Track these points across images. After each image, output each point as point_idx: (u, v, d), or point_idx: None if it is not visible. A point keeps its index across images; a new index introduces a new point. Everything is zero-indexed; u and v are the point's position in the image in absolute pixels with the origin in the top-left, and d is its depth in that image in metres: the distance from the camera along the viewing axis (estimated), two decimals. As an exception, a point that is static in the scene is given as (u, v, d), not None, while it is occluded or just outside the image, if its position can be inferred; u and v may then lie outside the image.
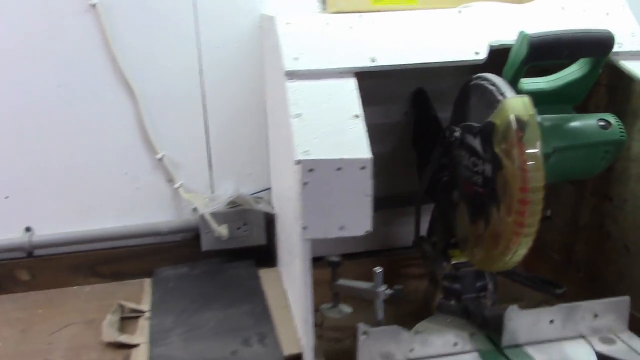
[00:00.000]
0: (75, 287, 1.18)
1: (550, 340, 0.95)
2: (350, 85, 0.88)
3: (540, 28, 0.87)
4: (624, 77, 0.96)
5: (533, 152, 0.79)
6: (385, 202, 1.18)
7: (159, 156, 1.17)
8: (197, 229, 1.20)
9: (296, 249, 0.91)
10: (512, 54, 0.87)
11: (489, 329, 0.98)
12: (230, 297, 1.09)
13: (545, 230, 1.00)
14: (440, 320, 1.01)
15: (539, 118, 0.81)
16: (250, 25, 1.15)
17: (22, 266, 1.17)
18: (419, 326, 0.97)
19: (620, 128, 0.90)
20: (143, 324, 1.04)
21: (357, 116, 0.86)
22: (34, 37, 1.08)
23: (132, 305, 1.09)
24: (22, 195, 1.15)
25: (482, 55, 0.92)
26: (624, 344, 0.94)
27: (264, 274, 1.17)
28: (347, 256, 1.04)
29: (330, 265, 0.96)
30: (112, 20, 1.10)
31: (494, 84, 0.86)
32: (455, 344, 0.94)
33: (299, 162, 0.82)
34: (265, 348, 0.94)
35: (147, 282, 1.18)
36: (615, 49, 0.88)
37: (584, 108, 0.97)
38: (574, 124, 0.91)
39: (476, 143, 0.88)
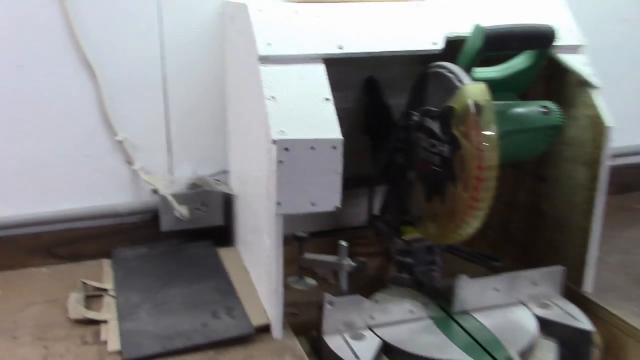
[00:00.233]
0: (32, 269, 1.17)
1: (494, 307, 1.05)
2: (320, 71, 0.94)
3: (488, 21, 0.95)
4: (560, 69, 1.07)
5: (489, 134, 0.88)
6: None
7: (119, 138, 1.18)
8: (156, 210, 1.22)
9: (265, 225, 0.96)
10: (467, 45, 0.95)
11: (439, 298, 1.06)
12: (193, 275, 1.12)
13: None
14: (394, 291, 1.09)
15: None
16: (211, 12, 1.18)
17: (-23, 248, 1.16)
18: (376, 296, 1.05)
19: (559, 114, 1.01)
20: (108, 301, 1.06)
21: (327, 99, 0.92)
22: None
23: (95, 283, 1.10)
24: (-24, 176, 1.14)
25: (440, 45, 1.00)
26: (559, 308, 1.05)
27: (223, 252, 1.21)
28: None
29: (297, 240, 1.02)
30: (76, 3, 1.10)
31: (452, 72, 0.94)
32: (411, 312, 1.02)
33: (275, 141, 0.87)
34: (235, 320, 0.99)
35: (106, 263, 1.19)
36: (555, 42, 0.98)
37: (523, 96, 1.07)
38: (519, 110, 1.01)
39: (435, 126, 0.95)
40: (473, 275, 1.05)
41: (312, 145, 0.88)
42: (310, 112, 0.90)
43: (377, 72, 1.25)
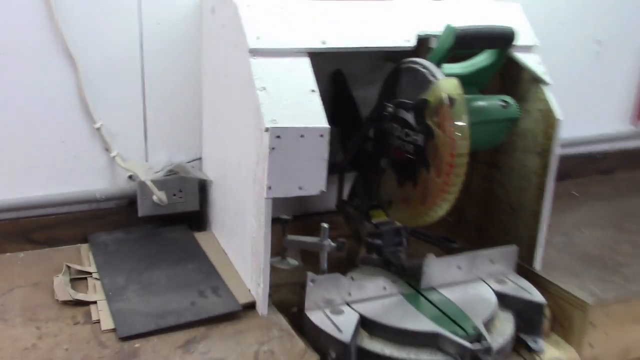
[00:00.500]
0: (9, 254, 1.19)
1: (457, 283, 1.15)
2: (306, 64, 1.01)
3: (454, 22, 1.04)
4: (515, 67, 1.17)
5: (460, 125, 0.97)
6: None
7: (97, 125, 1.21)
8: (132, 196, 1.25)
9: (251, 209, 1.02)
10: (438, 43, 1.04)
11: (407, 276, 1.15)
12: (174, 257, 1.17)
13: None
14: (365, 270, 1.17)
15: (462, 97, 0.99)
16: (190, 3, 1.22)
17: (-48, 234, 1.16)
18: (352, 275, 1.13)
19: (517, 107, 1.11)
20: (94, 283, 1.09)
21: (313, 91, 0.99)
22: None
23: (78, 267, 1.13)
24: (-46, 162, 1.15)
25: (412, 42, 1.09)
26: (514, 283, 1.16)
27: (199, 236, 1.26)
28: (274, 220, 1.15)
29: (281, 222, 1.08)
30: (57, -9, 1.12)
31: (425, 68, 1.02)
32: (385, 288, 1.10)
33: (267, 129, 0.93)
34: (221, 298, 1.04)
35: (84, 247, 1.22)
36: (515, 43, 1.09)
37: (482, 91, 1.17)
38: (482, 103, 1.11)
39: (409, 117, 1.04)
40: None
41: (302, 133, 0.94)
42: (299, 102, 0.97)
43: (342, 66, 1.33)
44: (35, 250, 1.21)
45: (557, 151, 1.16)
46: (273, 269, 1.03)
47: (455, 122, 0.97)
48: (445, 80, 0.98)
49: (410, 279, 1.15)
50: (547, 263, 1.23)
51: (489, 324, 1.06)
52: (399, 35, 1.09)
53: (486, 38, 1.05)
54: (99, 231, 1.25)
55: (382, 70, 1.26)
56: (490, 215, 1.32)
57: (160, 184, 1.22)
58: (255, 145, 0.98)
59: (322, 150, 0.96)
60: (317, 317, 1.02)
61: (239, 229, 1.11)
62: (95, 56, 1.18)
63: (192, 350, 0.92)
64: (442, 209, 1.03)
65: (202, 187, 1.28)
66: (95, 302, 1.03)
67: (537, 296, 1.13)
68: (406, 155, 1.06)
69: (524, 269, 1.21)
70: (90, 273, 1.12)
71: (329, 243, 1.08)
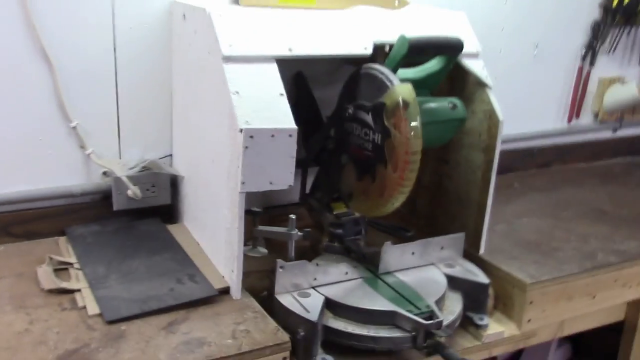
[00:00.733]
0: (-12, 247, 1.25)
1: (412, 267, 1.27)
2: (274, 69, 1.10)
3: (407, 31, 1.15)
4: (462, 71, 1.30)
5: (414, 125, 1.08)
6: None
7: (72, 124, 1.28)
8: (106, 191, 1.33)
9: (225, 202, 1.11)
10: (393, 51, 1.15)
11: (366, 262, 1.26)
12: (150, 248, 1.25)
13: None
14: (328, 258, 1.27)
15: (416, 100, 1.10)
16: (161, 9, 1.30)
17: None
18: (316, 261, 1.23)
19: (463, 109, 1.24)
20: (76, 273, 1.16)
21: (281, 94, 1.08)
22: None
23: (59, 258, 1.20)
24: None
25: (369, 50, 1.19)
26: (461, 267, 1.29)
27: (171, 228, 1.34)
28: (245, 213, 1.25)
29: (253, 214, 1.18)
30: (34, -4, 1.19)
31: (382, 73, 1.13)
32: (346, 273, 1.21)
33: (241, 130, 1.03)
34: (198, 284, 1.13)
35: (62, 240, 1.29)
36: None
37: (432, 93, 1.29)
38: (432, 105, 1.22)
39: (368, 118, 1.15)
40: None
41: (273, 133, 1.04)
42: (269, 105, 1.06)
43: (303, 68, 1.43)
44: (14, 243, 1.27)
45: (499, 148, 1.29)
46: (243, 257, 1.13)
47: (410, 123, 1.08)
48: (401, 86, 1.10)
49: (370, 265, 1.26)
50: (491, 248, 1.36)
51: (440, 303, 1.19)
52: (358, 43, 1.19)
53: (436, 47, 1.17)
54: (76, 224, 1.32)
55: (340, 72, 1.37)
56: (440, 206, 1.44)
57: (134, 179, 1.30)
58: (229, 144, 1.07)
59: (290, 149, 1.06)
60: (286, 300, 1.12)
61: (212, 220, 1.20)
62: (71, 59, 1.25)
63: (174, 331, 1.01)
64: (398, 200, 1.14)
65: (174, 182, 1.36)
66: (79, 290, 1.11)
67: (482, 278, 1.26)
68: (365, 152, 1.17)
69: (470, 254, 1.34)
70: (71, 263, 1.19)
71: (296, 232, 1.18)
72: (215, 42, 1.08)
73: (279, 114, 1.06)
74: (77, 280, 1.14)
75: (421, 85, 1.23)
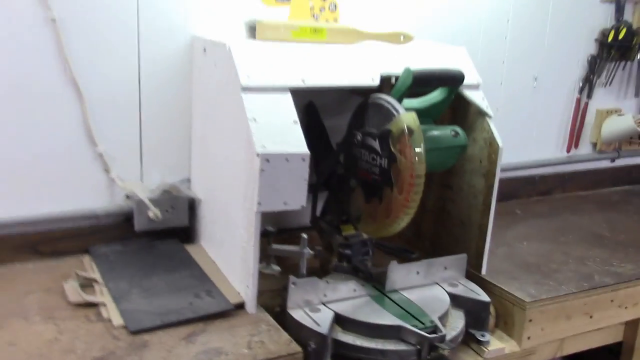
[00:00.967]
0: (18, 265, 1.32)
1: (416, 286, 1.33)
2: (288, 99, 1.19)
3: (412, 64, 1.24)
4: (464, 101, 1.38)
5: (418, 151, 1.16)
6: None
7: (98, 150, 1.36)
8: (128, 213, 1.41)
9: (241, 222, 1.19)
10: (399, 82, 1.24)
11: (373, 281, 1.33)
12: (169, 266, 1.33)
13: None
14: (337, 276, 1.34)
15: (420, 128, 1.19)
16: (182, 43, 1.39)
17: (-32, 246, 1.29)
18: (326, 279, 1.30)
19: (465, 136, 1.32)
20: (100, 289, 1.24)
21: (295, 122, 1.17)
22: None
23: (85, 274, 1.27)
24: (-29, 181, 1.29)
25: (377, 81, 1.28)
26: (464, 286, 1.36)
27: (189, 248, 1.42)
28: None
29: (267, 234, 1.26)
30: (68, 32, 1.28)
31: (389, 103, 1.22)
32: (355, 290, 1.28)
33: (258, 154, 1.11)
34: (215, 299, 1.21)
35: (86, 258, 1.36)
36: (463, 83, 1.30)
37: (436, 122, 1.37)
38: (436, 132, 1.31)
39: (375, 144, 1.23)
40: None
41: (287, 157, 1.12)
42: (284, 131, 1.15)
43: (314, 98, 1.52)
44: (42, 261, 1.35)
45: (499, 173, 1.37)
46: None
47: (415, 149, 1.16)
48: (406, 114, 1.18)
49: (376, 283, 1.33)
50: (492, 269, 1.43)
51: (443, 319, 1.25)
52: (366, 74, 1.28)
53: (439, 78, 1.26)
54: (99, 244, 1.40)
55: (348, 102, 1.46)
56: (444, 229, 1.52)
57: (155, 202, 1.38)
58: (246, 167, 1.15)
59: (303, 172, 1.14)
60: (298, 314, 1.19)
61: (229, 239, 1.27)
62: (99, 89, 1.34)
63: (194, 342, 1.08)
64: (404, 221, 1.22)
65: (191, 205, 1.44)
66: (104, 304, 1.18)
67: (483, 296, 1.32)
68: (373, 176, 1.25)
69: (472, 274, 1.40)
70: (95, 279, 1.27)
71: (308, 251, 1.25)
72: (235, 73, 1.17)
73: (293, 140, 1.15)
74: (101, 295, 1.21)
75: (425, 115, 1.31)
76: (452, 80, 1.27)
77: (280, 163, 1.12)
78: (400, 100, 1.24)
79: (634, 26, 1.99)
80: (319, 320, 1.17)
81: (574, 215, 1.89)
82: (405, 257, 1.48)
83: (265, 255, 1.27)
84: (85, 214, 1.38)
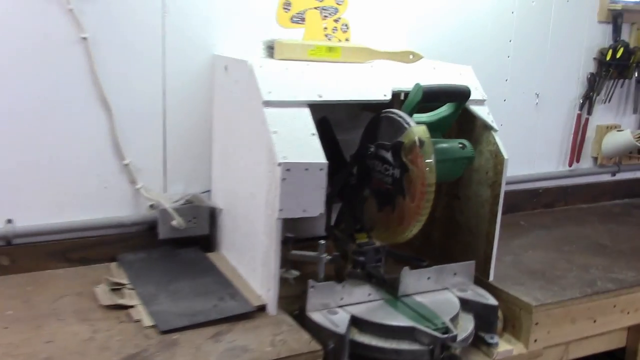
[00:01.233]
0: (49, 271, 1.40)
1: (428, 291, 1.40)
2: (307, 113, 1.27)
3: (421, 80, 1.32)
4: (470, 116, 1.46)
5: (429, 161, 1.24)
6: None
7: (125, 162, 1.44)
8: (152, 222, 1.48)
9: (263, 229, 1.26)
10: (410, 97, 1.32)
11: (386, 286, 1.40)
12: (193, 272, 1.40)
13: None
14: (352, 282, 1.41)
15: (431, 139, 1.27)
16: (204, 61, 1.48)
17: (2, 253, 1.36)
18: (342, 284, 1.37)
19: (472, 149, 1.39)
20: (129, 293, 1.31)
21: (313, 134, 1.25)
22: (32, 58, 1.33)
23: (114, 279, 1.34)
24: (5, 191, 1.36)
25: (388, 97, 1.36)
26: (473, 291, 1.42)
27: (210, 256, 1.49)
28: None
29: (287, 240, 1.33)
30: (98, 50, 1.37)
31: (400, 116, 1.30)
32: (369, 294, 1.35)
33: (280, 164, 1.19)
34: (238, 302, 1.27)
35: (113, 265, 1.44)
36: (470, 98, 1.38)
37: (444, 135, 1.45)
38: (444, 145, 1.38)
39: (388, 155, 1.31)
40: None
41: (306, 167, 1.20)
42: (303, 143, 1.23)
43: (327, 114, 1.59)
44: (72, 267, 1.42)
45: (505, 183, 1.44)
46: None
47: (425, 159, 1.24)
48: (417, 126, 1.26)
49: (389, 288, 1.39)
50: (499, 276, 1.50)
51: (454, 321, 1.31)
52: (378, 90, 1.36)
53: (447, 93, 1.34)
54: (125, 252, 1.47)
55: (358, 118, 1.55)
56: (453, 237, 1.59)
57: (178, 211, 1.46)
58: (267, 176, 1.23)
59: (321, 181, 1.22)
60: (316, 316, 1.25)
61: (250, 246, 1.35)
62: (127, 103, 1.43)
63: (220, 340, 1.15)
64: (415, 228, 1.29)
65: (212, 214, 1.52)
66: (133, 306, 1.25)
67: (491, 300, 1.39)
68: (385, 185, 1.32)
69: (481, 280, 1.47)
70: (124, 284, 1.34)
71: (326, 256, 1.32)
72: (256, 89, 1.25)
73: (312, 151, 1.23)
74: (131, 298, 1.28)
75: (434, 128, 1.39)
76: (459, 96, 1.35)
77: (300, 172, 1.20)
78: (410, 114, 1.32)
79: (631, 45, 2.07)
80: (337, 321, 1.24)
81: (576, 226, 1.96)
82: (416, 264, 1.55)
83: (284, 261, 1.34)
84: (113, 222, 1.46)
